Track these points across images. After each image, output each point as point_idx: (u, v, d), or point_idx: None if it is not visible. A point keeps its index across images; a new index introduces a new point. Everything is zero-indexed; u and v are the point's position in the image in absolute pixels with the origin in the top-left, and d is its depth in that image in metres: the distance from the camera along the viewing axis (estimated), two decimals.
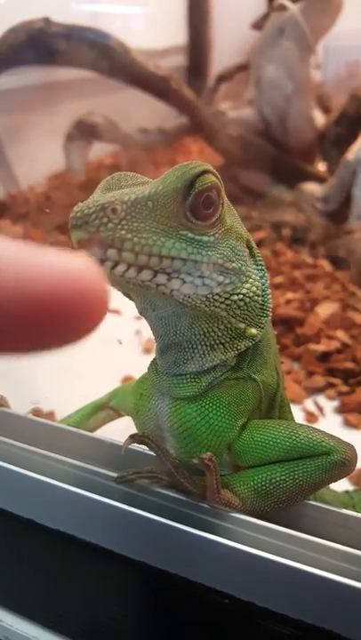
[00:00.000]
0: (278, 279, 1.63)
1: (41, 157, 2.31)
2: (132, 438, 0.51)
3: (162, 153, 2.55)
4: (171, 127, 2.48)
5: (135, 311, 0.53)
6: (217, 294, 0.48)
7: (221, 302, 0.49)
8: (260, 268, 0.53)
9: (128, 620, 0.58)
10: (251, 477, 0.51)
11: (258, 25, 2.17)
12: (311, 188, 2.01)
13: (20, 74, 1.97)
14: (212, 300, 0.48)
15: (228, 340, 0.51)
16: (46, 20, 1.84)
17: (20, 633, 0.62)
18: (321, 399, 1.18)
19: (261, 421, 0.54)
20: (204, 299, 0.48)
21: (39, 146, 2.24)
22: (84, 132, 2.31)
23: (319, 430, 0.52)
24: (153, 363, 0.56)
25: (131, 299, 0.52)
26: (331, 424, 1.11)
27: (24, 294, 0.21)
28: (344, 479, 0.54)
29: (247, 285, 0.50)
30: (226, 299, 0.49)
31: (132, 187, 0.48)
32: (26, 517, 0.54)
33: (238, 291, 0.50)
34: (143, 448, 0.54)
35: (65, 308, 0.22)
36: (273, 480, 0.50)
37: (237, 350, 0.52)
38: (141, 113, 2.39)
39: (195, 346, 0.51)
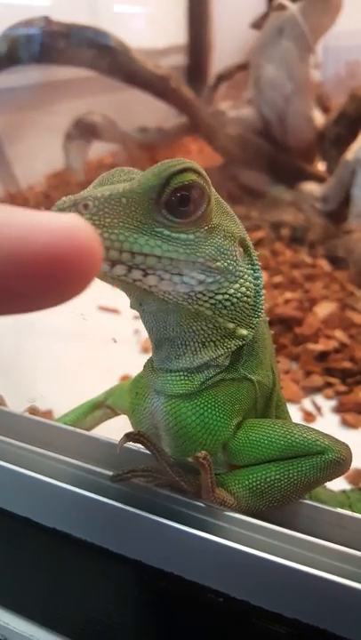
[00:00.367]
0: (277, 279, 1.63)
1: (40, 156, 2.31)
2: (128, 437, 0.51)
3: (161, 152, 2.55)
4: (170, 126, 2.48)
5: (134, 311, 0.53)
6: (200, 292, 0.48)
7: (205, 301, 0.49)
8: (255, 268, 0.53)
9: (124, 618, 0.58)
10: (246, 476, 0.51)
11: (257, 24, 2.17)
12: (310, 187, 2.01)
13: (19, 73, 1.97)
14: (195, 299, 0.48)
15: (218, 338, 0.51)
16: (46, 19, 1.84)
17: (17, 632, 0.62)
18: (319, 399, 1.18)
19: (256, 420, 0.54)
20: (186, 296, 0.48)
21: (38, 145, 2.24)
22: (83, 131, 2.31)
23: (314, 429, 0.52)
24: (149, 361, 0.56)
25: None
26: (328, 423, 1.11)
27: (21, 253, 0.22)
28: (341, 478, 0.53)
29: (236, 285, 0.50)
30: (210, 297, 0.49)
31: (123, 182, 0.48)
32: (21, 516, 0.54)
33: (224, 290, 0.49)
34: (139, 447, 0.54)
35: (61, 263, 0.23)
36: (268, 479, 0.50)
37: (228, 349, 0.52)
38: (141, 112, 2.40)
39: (187, 342, 0.51)
